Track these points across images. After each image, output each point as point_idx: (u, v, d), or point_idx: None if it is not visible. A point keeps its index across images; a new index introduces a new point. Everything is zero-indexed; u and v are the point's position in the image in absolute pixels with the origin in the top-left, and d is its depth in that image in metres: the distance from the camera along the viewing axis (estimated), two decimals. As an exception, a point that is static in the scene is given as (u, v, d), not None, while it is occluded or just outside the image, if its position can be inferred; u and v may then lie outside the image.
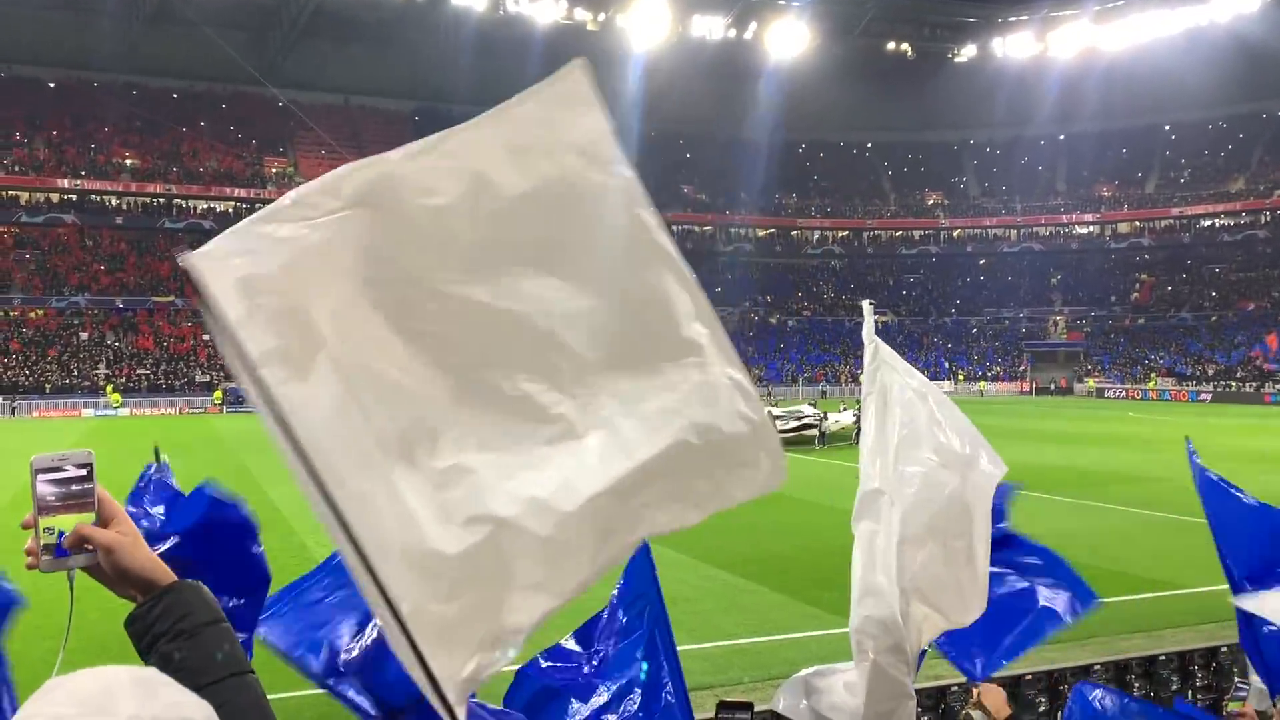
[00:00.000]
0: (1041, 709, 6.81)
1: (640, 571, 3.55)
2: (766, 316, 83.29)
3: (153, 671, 1.12)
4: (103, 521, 1.43)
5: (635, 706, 3.13)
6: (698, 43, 78.29)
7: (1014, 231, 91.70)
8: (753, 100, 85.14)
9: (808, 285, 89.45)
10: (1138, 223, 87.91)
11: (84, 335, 61.80)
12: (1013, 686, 6.86)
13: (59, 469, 1.39)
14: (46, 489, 1.38)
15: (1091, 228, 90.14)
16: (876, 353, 2.98)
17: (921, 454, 2.72)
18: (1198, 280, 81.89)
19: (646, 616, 3.50)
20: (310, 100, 79.15)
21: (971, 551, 2.62)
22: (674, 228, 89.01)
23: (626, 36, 75.43)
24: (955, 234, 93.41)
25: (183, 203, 74.43)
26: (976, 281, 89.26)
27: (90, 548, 1.39)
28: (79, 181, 71.12)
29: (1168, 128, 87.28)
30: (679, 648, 3.64)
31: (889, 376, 2.93)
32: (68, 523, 1.39)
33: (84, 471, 1.40)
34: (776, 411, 35.19)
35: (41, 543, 1.38)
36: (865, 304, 3.09)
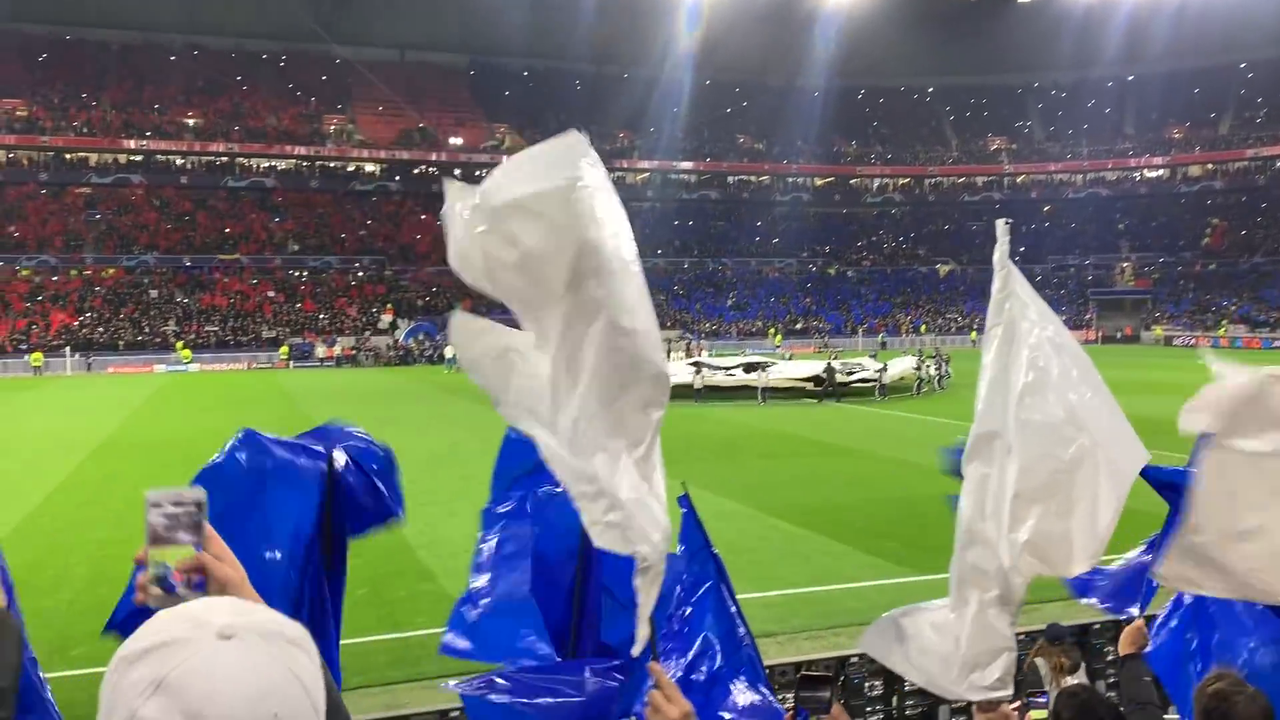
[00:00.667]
0: (1110, 657, 6.79)
1: (692, 531, 3.64)
2: (825, 267, 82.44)
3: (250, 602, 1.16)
4: (214, 556, 1.45)
5: (718, 660, 3.23)
6: (754, -12, 76.87)
7: (1080, 176, 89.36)
8: (809, 47, 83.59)
9: (867, 234, 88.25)
10: (1210, 165, 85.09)
11: (154, 293, 63.29)
12: (1080, 635, 6.85)
13: (173, 504, 1.42)
14: (159, 521, 1.40)
15: (1161, 171, 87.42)
16: (1008, 281, 2.77)
17: (1049, 406, 2.56)
18: (1273, 224, 79.17)
19: (710, 570, 3.60)
20: (367, 57, 79.49)
21: (1094, 514, 2.51)
22: (729, 178, 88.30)
23: (681, -16, 74.30)
24: (1019, 180, 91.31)
25: (245, 161, 75.50)
26: (1041, 228, 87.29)
27: (200, 579, 1.40)
28: (144, 142, 72.44)
29: (1243, 66, 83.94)
30: (740, 597, 3.73)
31: (1019, 311, 2.76)
32: (177, 554, 1.40)
33: (194, 508, 1.42)
34: (836, 364, 34.98)
35: (151, 575, 1.39)
36: (1000, 223, 2.90)
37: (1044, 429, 2.55)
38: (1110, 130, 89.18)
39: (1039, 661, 6.19)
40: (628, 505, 2.19)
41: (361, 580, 11.73)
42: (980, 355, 2.89)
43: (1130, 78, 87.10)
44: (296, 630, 1.11)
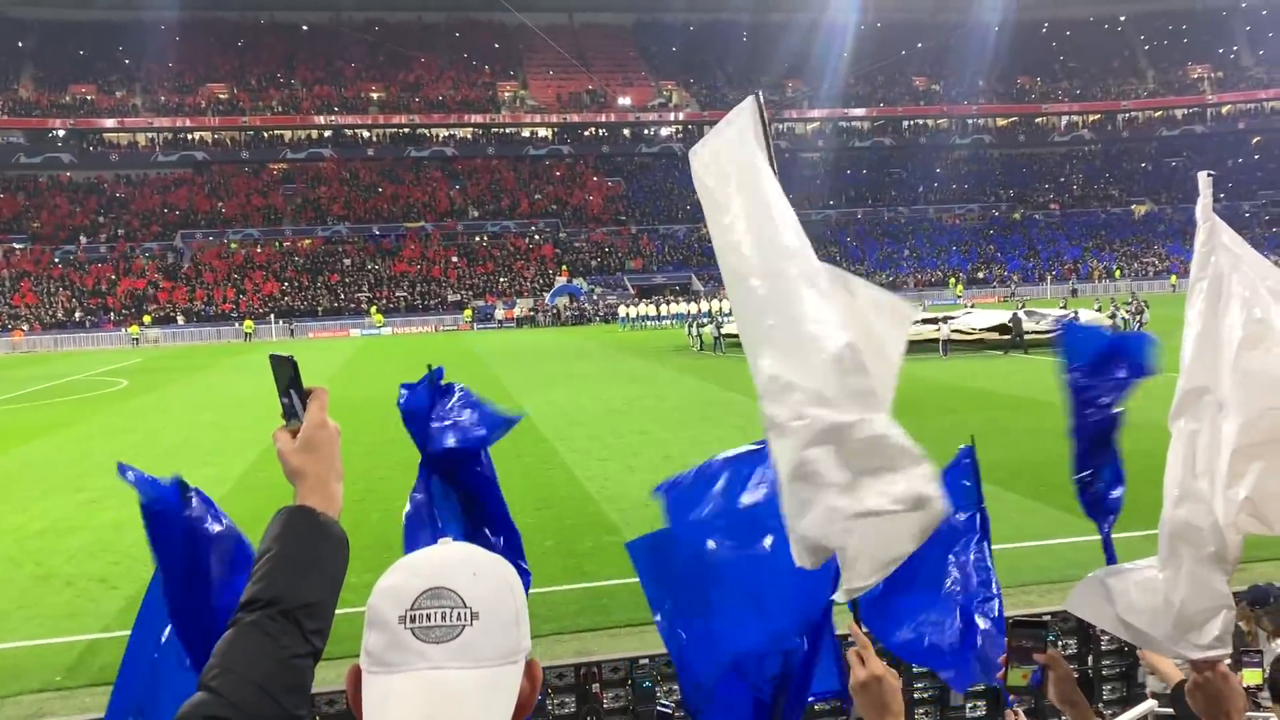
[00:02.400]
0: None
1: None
2: (1009, 212, 78.81)
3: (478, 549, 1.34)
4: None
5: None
6: (927, -77, 73.59)
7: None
8: (989, -20, 79.53)
9: (1055, 176, 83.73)
10: None
11: (347, 261, 66.85)
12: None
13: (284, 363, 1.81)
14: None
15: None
16: (1213, 232, 2.64)
17: (1271, 358, 2.45)
18: None
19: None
20: (536, 20, 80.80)
21: None
22: (904, 123, 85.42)
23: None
24: (1225, 110, 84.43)
25: (426, 131, 78.39)
26: (1250, 162, 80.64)
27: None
28: (333, 118, 76.29)
29: None
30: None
31: (1229, 263, 2.64)
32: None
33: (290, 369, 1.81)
34: (1022, 314, 33.56)
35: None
36: (1202, 175, 2.77)
37: (1266, 381, 2.42)
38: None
39: (1240, 625, 5.86)
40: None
41: (549, 532, 12.19)
42: (1183, 303, 2.75)
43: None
44: (515, 578, 1.30)
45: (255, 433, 20.71)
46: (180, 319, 59.56)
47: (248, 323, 57.45)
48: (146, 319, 58.28)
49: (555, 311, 60.92)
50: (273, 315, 59.38)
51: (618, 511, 12.98)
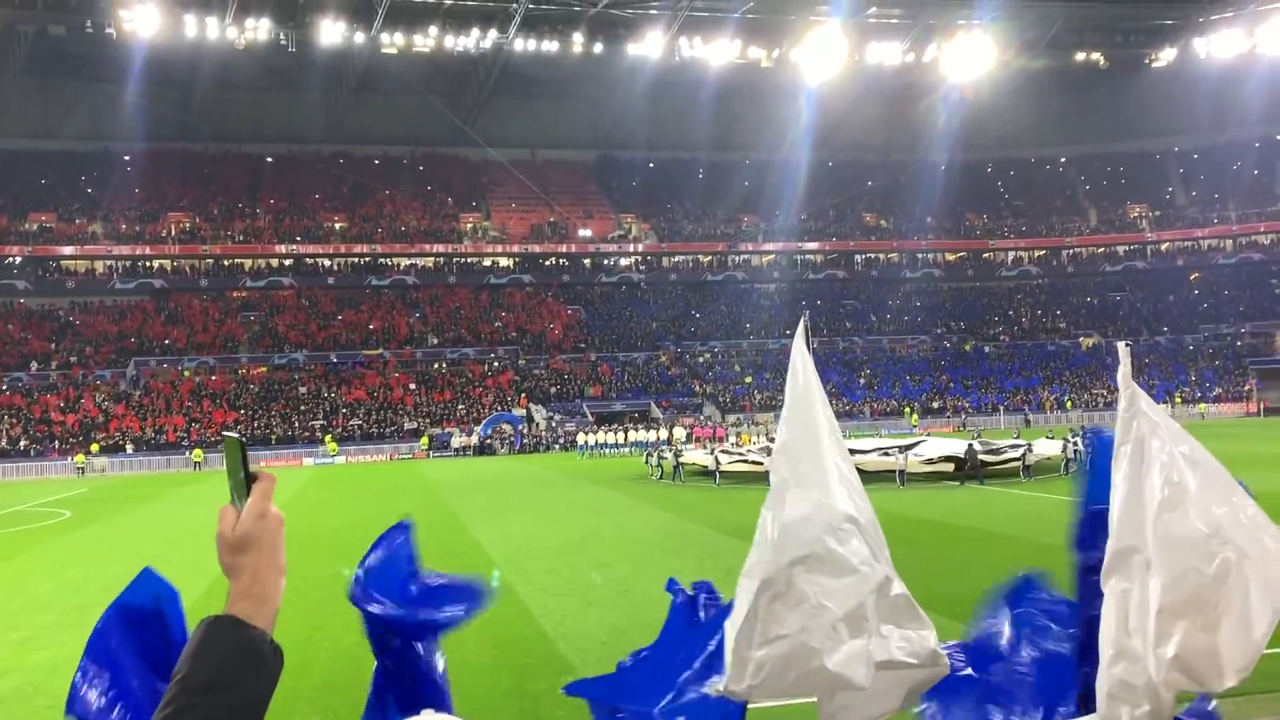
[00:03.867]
0: None
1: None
2: (960, 343, 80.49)
3: None
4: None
5: None
6: (874, 70, 77.13)
7: (1229, 241, 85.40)
8: (934, 122, 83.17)
9: (1003, 309, 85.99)
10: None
11: (302, 389, 66.34)
12: None
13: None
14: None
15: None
16: (1134, 400, 2.79)
17: (1189, 521, 2.58)
18: None
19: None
20: (500, 156, 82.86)
21: (1247, 626, 2.47)
22: (856, 257, 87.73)
23: (801, 70, 75.21)
24: (1164, 247, 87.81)
25: (387, 260, 79.14)
26: (1190, 297, 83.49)
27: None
28: (295, 246, 76.91)
29: (1402, 118, 79.48)
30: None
31: (1148, 429, 2.78)
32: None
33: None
34: (978, 445, 33.88)
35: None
36: (1121, 345, 2.93)
37: (1185, 544, 2.54)
38: (1260, 192, 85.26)
39: None
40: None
41: (503, 673, 11.80)
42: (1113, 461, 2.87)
43: (1278, 137, 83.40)
44: None
45: (202, 565, 20.08)
46: (129, 447, 58.41)
47: (197, 452, 56.44)
48: (94, 447, 57.09)
49: (510, 439, 60.59)
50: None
51: (574, 651, 12.62)
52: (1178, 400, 69.23)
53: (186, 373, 66.72)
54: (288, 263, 77.24)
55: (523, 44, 70.89)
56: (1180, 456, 2.69)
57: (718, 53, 73.09)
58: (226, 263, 76.28)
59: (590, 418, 63.65)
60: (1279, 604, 2.52)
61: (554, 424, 63.33)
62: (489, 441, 60.17)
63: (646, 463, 40.25)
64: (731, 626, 2.39)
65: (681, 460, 37.18)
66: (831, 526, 2.44)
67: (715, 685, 2.39)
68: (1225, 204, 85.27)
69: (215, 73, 72.38)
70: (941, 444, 36.58)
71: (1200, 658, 2.45)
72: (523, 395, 66.97)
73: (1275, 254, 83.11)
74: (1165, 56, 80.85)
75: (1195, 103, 79.50)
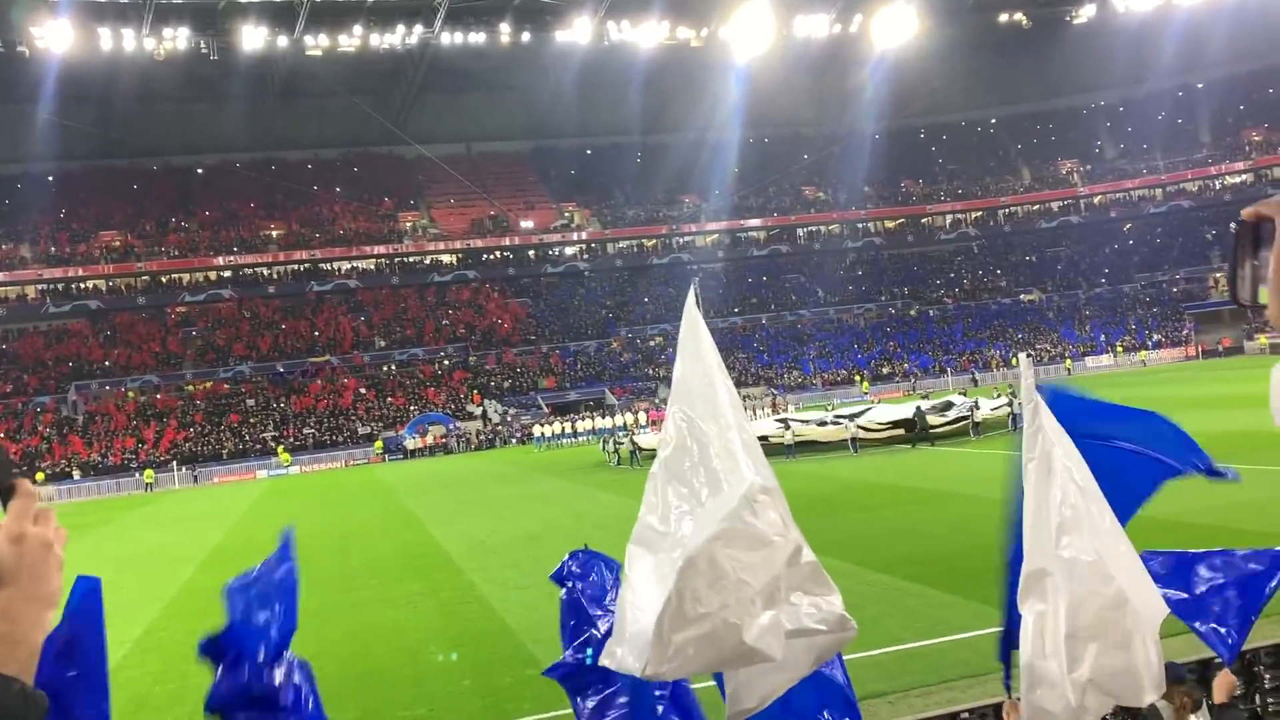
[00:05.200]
0: (1237, 692, 6.44)
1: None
2: (905, 309, 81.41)
3: None
4: None
5: None
6: (803, 43, 77.51)
7: (1159, 190, 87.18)
8: (865, 92, 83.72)
9: (945, 272, 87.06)
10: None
11: (250, 401, 65.40)
12: (1201, 671, 6.54)
13: None
14: None
15: (1244, 176, 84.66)
16: (1037, 413, 2.79)
17: (1086, 543, 2.60)
18: (1373, 216, 75.91)
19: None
20: (435, 152, 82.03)
21: (1146, 647, 2.51)
22: (799, 230, 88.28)
23: (731, 47, 75.35)
24: (1096, 200, 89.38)
25: (327, 265, 78.12)
26: (1125, 247, 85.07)
27: None
28: (232, 258, 75.63)
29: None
30: (846, 658, 3.66)
31: (1051, 445, 2.79)
32: None
33: None
34: (925, 404, 34.35)
35: None
36: (1022, 356, 2.96)
37: (1085, 567, 2.57)
38: (1185, 140, 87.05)
39: (1161, 704, 5.92)
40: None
41: (466, 670, 11.78)
42: (1025, 477, 2.88)
43: (1200, 85, 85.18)
44: None
45: (155, 589, 19.77)
46: (76, 473, 57.22)
47: (148, 472, 55.44)
48: (40, 476, 55.80)
49: (467, 437, 60.29)
50: (175, 462, 57.49)
51: (538, 643, 12.62)
52: (1119, 349, 70.69)
53: (130, 394, 65.42)
54: (226, 274, 75.93)
55: (449, 37, 70.21)
56: (1073, 481, 2.70)
57: (647, 34, 72.97)
58: (163, 279, 74.77)
59: (546, 409, 63.50)
60: (1150, 630, 2.55)
61: (509, 418, 63.10)
62: (444, 440, 59.79)
63: (603, 450, 40.28)
64: (632, 603, 2.38)
65: (638, 445, 37.24)
66: (747, 499, 2.44)
67: (627, 664, 2.36)
68: (1153, 154, 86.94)
69: (136, 86, 70.85)
70: (890, 409, 37.03)
71: (1116, 677, 2.47)
72: (475, 392, 66.62)
73: (1203, 200, 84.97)
74: (1085, 13, 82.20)
75: (1117, 57, 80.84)
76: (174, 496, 48.93)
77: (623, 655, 2.37)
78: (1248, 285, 1.34)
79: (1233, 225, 1.38)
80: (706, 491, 2.52)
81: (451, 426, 61.05)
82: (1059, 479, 2.69)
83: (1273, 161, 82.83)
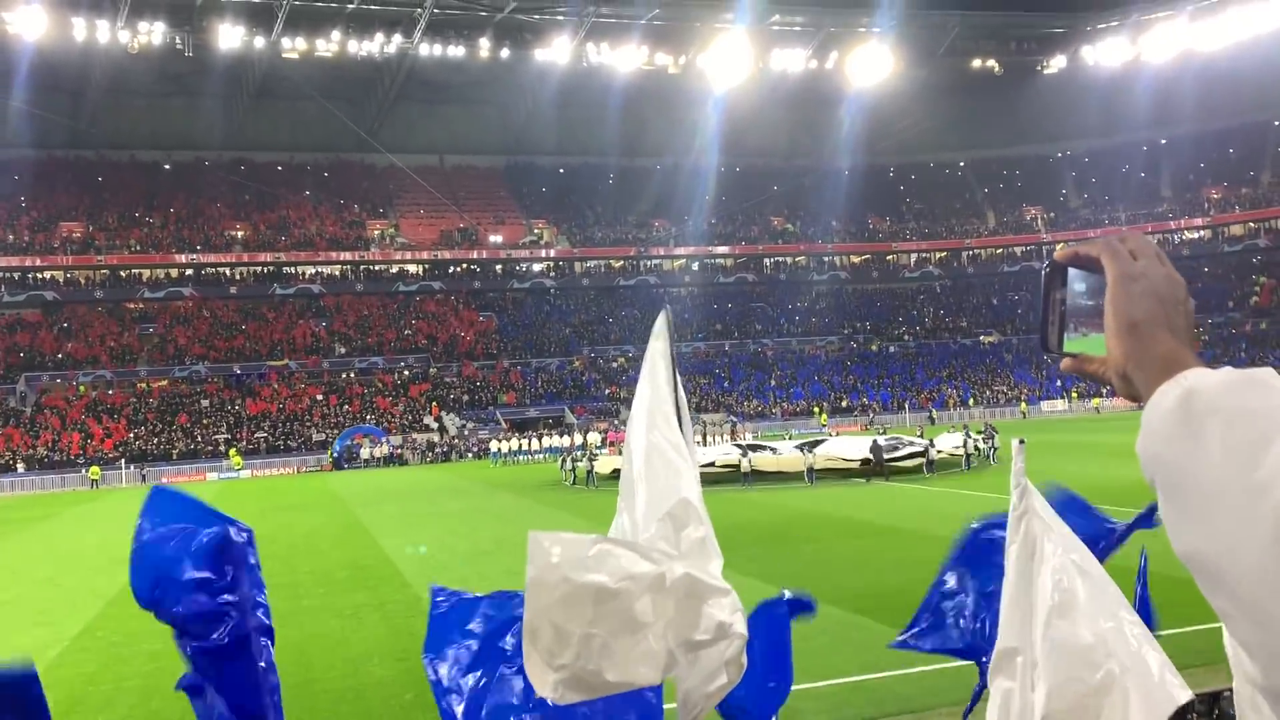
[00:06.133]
0: None
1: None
2: (866, 344, 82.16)
3: None
4: None
5: None
6: (779, 76, 78.44)
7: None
8: (838, 128, 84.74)
9: (907, 309, 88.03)
10: (1251, 224, 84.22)
11: (205, 402, 64.54)
12: (1211, 702, 6.62)
13: None
14: None
15: (1202, 232, 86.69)
16: (1024, 497, 2.80)
17: (1077, 629, 2.60)
18: (1323, 279, 77.97)
19: None
20: (407, 162, 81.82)
21: None
22: (765, 260, 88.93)
23: (707, 76, 76.03)
24: (1059, 247, 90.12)
25: (292, 269, 77.46)
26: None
27: None
28: (195, 256, 74.76)
29: (1278, 124, 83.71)
30: (792, 689, 3.71)
31: (1040, 530, 2.79)
32: None
33: None
34: (882, 440, 34.64)
35: None
36: (1015, 442, 2.95)
37: (1072, 652, 2.57)
38: (1147, 194, 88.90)
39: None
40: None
41: (409, 685, 11.68)
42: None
43: (1163, 140, 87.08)
44: None
45: (97, 587, 19.43)
46: (20, 466, 56.08)
47: (94, 469, 54.47)
48: (-18, 467, 54.67)
49: (421, 448, 59.86)
50: (124, 460, 56.53)
51: (482, 658, 12.56)
52: (1074, 395, 71.72)
53: (82, 388, 64.32)
54: (188, 273, 75.04)
55: (428, 49, 70.24)
56: (1071, 563, 2.72)
57: (625, 59, 73.48)
58: (123, 273, 73.75)
59: (504, 425, 63.24)
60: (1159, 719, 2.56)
61: (466, 432, 62.77)
62: (398, 452, 59.31)
63: (561, 469, 40.19)
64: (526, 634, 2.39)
65: (595, 465, 37.19)
66: (576, 560, 2.42)
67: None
68: (1115, 205, 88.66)
69: (108, 78, 70.12)
70: (847, 442, 37.30)
71: None
72: (434, 404, 66.22)
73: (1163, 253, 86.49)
74: (1056, 64, 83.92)
75: (1085, 108, 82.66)
76: (120, 495, 48.08)
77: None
78: (1056, 331, 1.26)
79: (1044, 266, 1.28)
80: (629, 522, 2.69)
81: (383, 439, 60.24)
82: (1049, 563, 2.69)
83: (1230, 219, 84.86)
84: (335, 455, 58.24)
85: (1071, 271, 1.26)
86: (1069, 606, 2.64)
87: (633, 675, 2.35)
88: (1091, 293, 1.24)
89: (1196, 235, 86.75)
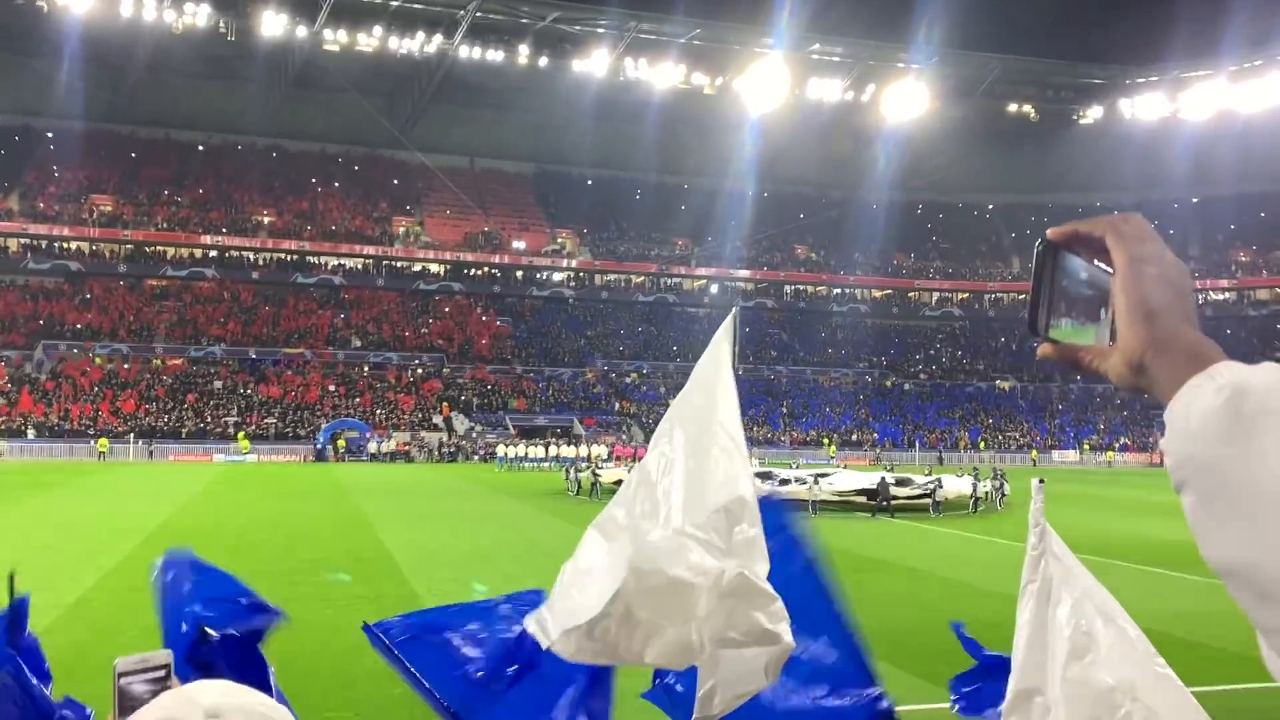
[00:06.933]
0: None
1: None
2: (882, 379, 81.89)
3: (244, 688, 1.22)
4: None
5: None
6: (814, 105, 78.59)
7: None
8: (870, 161, 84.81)
9: (925, 348, 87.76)
10: (1278, 289, 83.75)
11: (218, 384, 64.79)
12: None
13: (141, 671, 1.40)
14: (129, 689, 1.39)
15: (1228, 294, 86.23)
16: (1044, 538, 2.76)
17: (1096, 671, 2.56)
18: (1346, 349, 77.38)
19: None
20: (437, 162, 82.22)
21: None
22: (786, 287, 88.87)
23: (743, 100, 76.24)
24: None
25: (315, 259, 77.82)
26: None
27: None
28: (219, 238, 75.22)
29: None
30: None
31: (1056, 569, 2.75)
32: None
33: (163, 673, 1.42)
34: (890, 478, 34.45)
35: None
36: (1035, 482, 2.90)
37: (1091, 694, 2.53)
38: (1175, 252, 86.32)
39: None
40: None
41: (398, 678, 11.59)
42: (1018, 598, 2.87)
43: (1195, 200, 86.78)
44: (281, 713, 1.19)
45: (95, 558, 19.44)
46: (31, 432, 56.37)
47: (102, 441, 54.68)
48: (-9, 429, 54.99)
49: (429, 447, 59.88)
50: (132, 435, 56.74)
51: (474, 660, 12.47)
52: (1087, 446, 71.24)
53: (98, 359, 64.68)
54: (212, 254, 75.51)
55: (468, 51, 70.71)
56: (1092, 607, 2.67)
57: (662, 76, 73.77)
58: (148, 250, 74.28)
59: (512, 430, 63.24)
60: None
61: (474, 434, 62.79)
62: (405, 448, 59.35)
63: (565, 478, 40.12)
64: (571, 581, 2.50)
65: (599, 477, 37.12)
66: (662, 548, 2.44)
67: (542, 631, 2.45)
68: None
69: (150, 56, 70.78)
70: (854, 476, 37.11)
71: None
72: (444, 404, 66.30)
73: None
74: (1092, 114, 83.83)
75: (1119, 161, 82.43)
76: (126, 469, 48.26)
77: (542, 623, 2.46)
78: (1045, 315, 1.18)
79: (1038, 244, 1.19)
80: (662, 507, 2.57)
81: (368, 435, 60.08)
82: (1065, 604, 2.65)
83: (1256, 283, 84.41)
84: (319, 447, 58.12)
85: (1068, 254, 1.18)
86: (1086, 648, 2.59)
87: (666, 659, 2.42)
88: (1086, 278, 1.15)
89: (1222, 297, 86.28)
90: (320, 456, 57.58)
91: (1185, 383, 0.99)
